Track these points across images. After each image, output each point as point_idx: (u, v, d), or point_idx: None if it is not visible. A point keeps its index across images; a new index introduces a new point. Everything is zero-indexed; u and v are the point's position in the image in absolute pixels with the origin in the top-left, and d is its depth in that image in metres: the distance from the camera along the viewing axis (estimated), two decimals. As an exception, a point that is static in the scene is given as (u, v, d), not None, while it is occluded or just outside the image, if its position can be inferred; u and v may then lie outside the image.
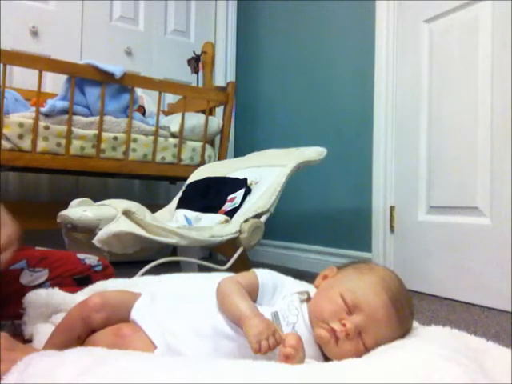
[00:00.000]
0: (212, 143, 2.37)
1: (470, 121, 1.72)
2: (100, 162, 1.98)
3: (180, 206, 1.88)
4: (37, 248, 1.09)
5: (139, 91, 2.21)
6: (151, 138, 2.10)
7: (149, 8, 2.81)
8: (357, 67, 2.20)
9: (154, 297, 0.78)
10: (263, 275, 0.75)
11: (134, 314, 0.74)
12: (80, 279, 1.02)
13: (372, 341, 0.67)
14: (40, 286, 0.97)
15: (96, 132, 1.95)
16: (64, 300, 0.86)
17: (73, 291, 0.92)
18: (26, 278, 0.97)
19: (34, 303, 0.85)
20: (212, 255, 2.79)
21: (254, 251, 2.32)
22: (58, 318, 0.81)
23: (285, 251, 2.54)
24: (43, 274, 0.99)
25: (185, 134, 2.19)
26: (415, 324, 0.77)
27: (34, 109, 1.84)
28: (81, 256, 1.08)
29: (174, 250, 1.93)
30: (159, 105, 2.12)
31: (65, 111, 1.89)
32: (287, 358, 0.60)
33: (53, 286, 0.95)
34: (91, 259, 1.08)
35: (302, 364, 0.60)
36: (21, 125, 1.80)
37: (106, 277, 1.03)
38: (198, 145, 2.24)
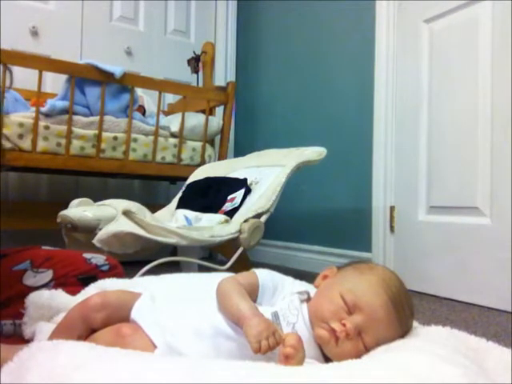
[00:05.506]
0: (212, 143, 2.37)
1: (470, 121, 1.72)
2: (100, 161, 1.98)
3: (180, 205, 1.88)
4: (43, 247, 1.06)
5: (139, 91, 2.21)
6: (151, 137, 2.10)
7: (149, 8, 2.81)
8: (357, 67, 2.20)
9: (154, 297, 0.78)
10: (263, 275, 0.75)
11: (134, 314, 0.74)
12: (85, 279, 0.99)
13: (372, 341, 0.67)
14: (44, 286, 0.95)
15: (96, 132, 1.95)
16: (67, 302, 0.85)
17: (77, 291, 0.90)
18: (29, 280, 0.95)
19: (36, 304, 0.84)
20: (212, 255, 2.78)
21: (254, 251, 2.32)
22: (61, 318, 0.81)
23: (285, 251, 2.54)
24: (47, 275, 0.97)
25: (185, 134, 2.19)
26: (415, 324, 0.77)
27: (34, 109, 1.84)
28: (87, 256, 1.05)
29: (174, 249, 1.93)
30: (159, 105, 2.12)
31: (65, 111, 1.89)
32: (287, 358, 0.60)
33: (56, 286, 0.93)
34: (98, 258, 1.05)
35: (301, 364, 0.60)
36: (21, 125, 1.80)
37: (114, 277, 0.99)
38: (198, 145, 2.24)
